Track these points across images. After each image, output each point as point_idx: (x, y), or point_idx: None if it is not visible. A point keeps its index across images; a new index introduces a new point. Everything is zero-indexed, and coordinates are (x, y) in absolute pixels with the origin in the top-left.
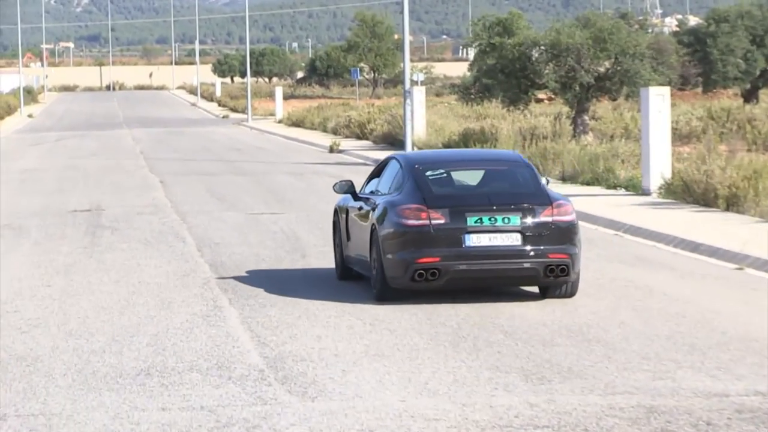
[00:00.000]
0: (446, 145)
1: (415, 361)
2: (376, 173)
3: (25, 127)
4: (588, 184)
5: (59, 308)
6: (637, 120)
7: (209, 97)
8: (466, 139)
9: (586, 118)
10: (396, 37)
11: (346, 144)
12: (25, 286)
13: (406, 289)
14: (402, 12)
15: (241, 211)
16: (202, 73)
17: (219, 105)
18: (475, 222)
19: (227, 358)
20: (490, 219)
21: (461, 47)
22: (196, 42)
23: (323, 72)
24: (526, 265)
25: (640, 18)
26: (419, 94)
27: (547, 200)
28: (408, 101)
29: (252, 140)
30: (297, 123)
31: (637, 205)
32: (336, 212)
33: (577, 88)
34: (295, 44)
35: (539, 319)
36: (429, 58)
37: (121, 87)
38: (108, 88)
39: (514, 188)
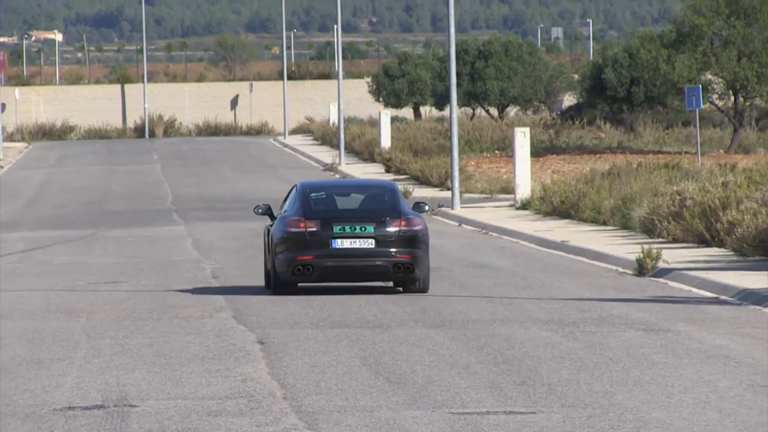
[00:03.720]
0: None
1: None
2: (286, 197)
3: None
4: None
5: None
6: None
7: (364, 151)
8: None
9: None
10: None
11: (673, 256)
12: None
13: (289, 282)
14: None
15: (440, 407)
16: (349, 98)
17: (387, 169)
18: (339, 230)
19: None
20: (350, 228)
21: None
22: (337, 27)
23: (621, 94)
24: (378, 262)
25: None
26: None
27: (398, 215)
28: None
29: (460, 248)
30: (562, 210)
31: None
32: (264, 234)
33: None
34: (556, 31)
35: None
36: None
37: (170, 128)
38: (140, 131)
39: (375, 206)
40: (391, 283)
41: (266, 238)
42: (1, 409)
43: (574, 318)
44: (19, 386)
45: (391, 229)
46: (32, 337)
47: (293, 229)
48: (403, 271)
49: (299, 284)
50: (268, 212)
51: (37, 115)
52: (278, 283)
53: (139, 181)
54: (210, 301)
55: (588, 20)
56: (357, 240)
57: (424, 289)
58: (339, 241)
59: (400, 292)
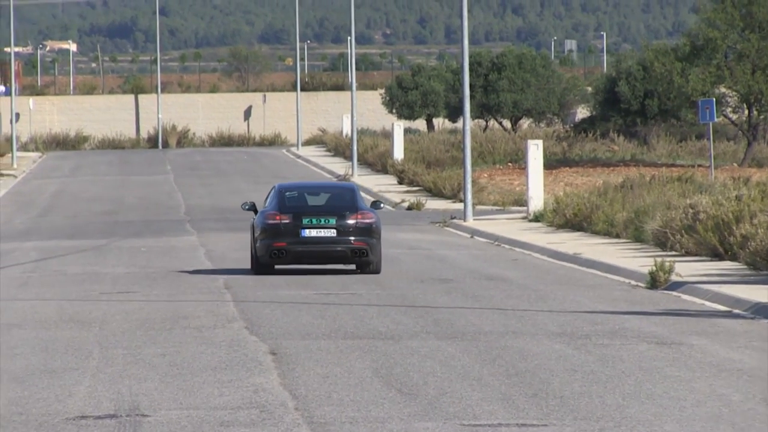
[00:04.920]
0: None
1: None
2: (267, 196)
3: None
4: None
5: None
6: None
7: (377, 163)
8: None
9: None
10: None
11: (686, 270)
12: None
13: (268, 263)
14: None
15: (452, 418)
16: (362, 110)
17: (400, 180)
18: (307, 222)
19: None
20: (316, 220)
21: None
22: (351, 39)
23: (635, 107)
24: (339, 248)
25: None
26: None
27: (355, 210)
28: None
29: (473, 260)
30: (575, 222)
31: None
32: (250, 226)
33: None
34: (569, 44)
35: None
36: None
37: (183, 139)
38: (153, 141)
39: (337, 203)
40: (353, 266)
41: (252, 229)
42: (14, 417)
43: (586, 331)
44: (32, 395)
45: (350, 221)
46: (45, 346)
47: (270, 221)
48: (359, 255)
49: (276, 266)
50: (253, 208)
51: (51, 124)
52: (259, 265)
53: (152, 192)
54: (222, 312)
55: (602, 33)
56: (322, 230)
57: (376, 271)
58: (307, 230)
59: (403, 301)
